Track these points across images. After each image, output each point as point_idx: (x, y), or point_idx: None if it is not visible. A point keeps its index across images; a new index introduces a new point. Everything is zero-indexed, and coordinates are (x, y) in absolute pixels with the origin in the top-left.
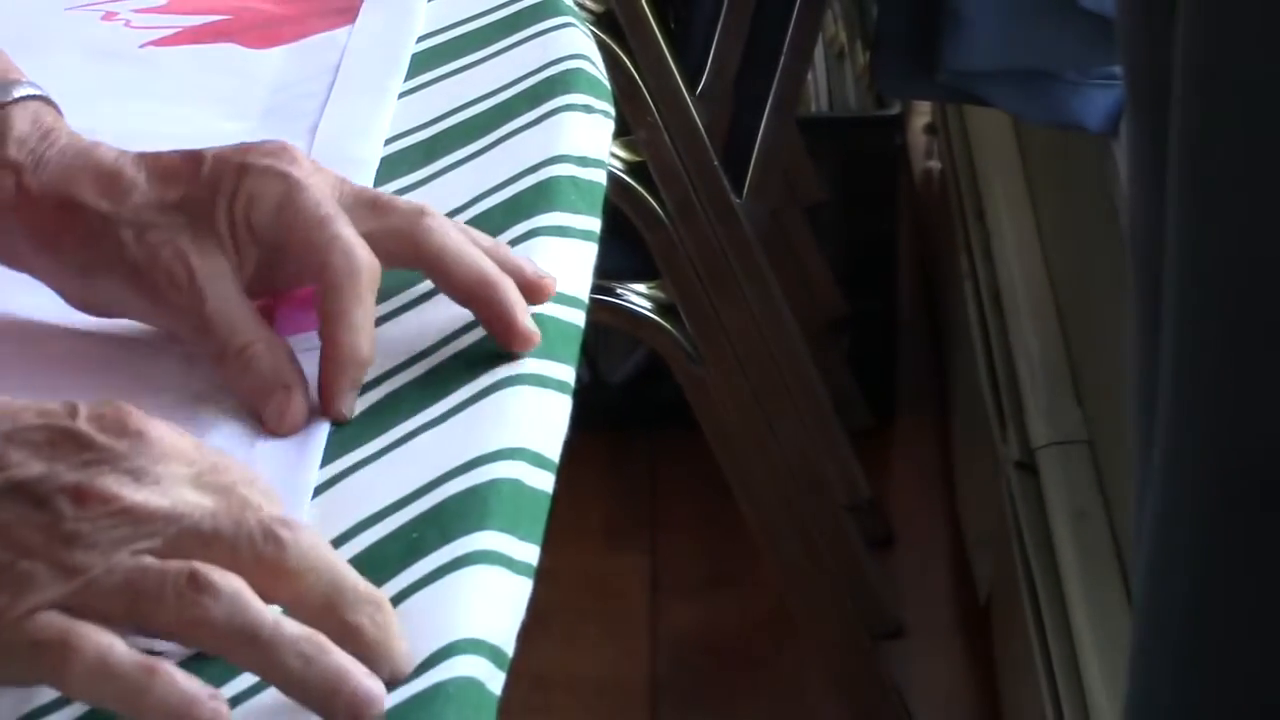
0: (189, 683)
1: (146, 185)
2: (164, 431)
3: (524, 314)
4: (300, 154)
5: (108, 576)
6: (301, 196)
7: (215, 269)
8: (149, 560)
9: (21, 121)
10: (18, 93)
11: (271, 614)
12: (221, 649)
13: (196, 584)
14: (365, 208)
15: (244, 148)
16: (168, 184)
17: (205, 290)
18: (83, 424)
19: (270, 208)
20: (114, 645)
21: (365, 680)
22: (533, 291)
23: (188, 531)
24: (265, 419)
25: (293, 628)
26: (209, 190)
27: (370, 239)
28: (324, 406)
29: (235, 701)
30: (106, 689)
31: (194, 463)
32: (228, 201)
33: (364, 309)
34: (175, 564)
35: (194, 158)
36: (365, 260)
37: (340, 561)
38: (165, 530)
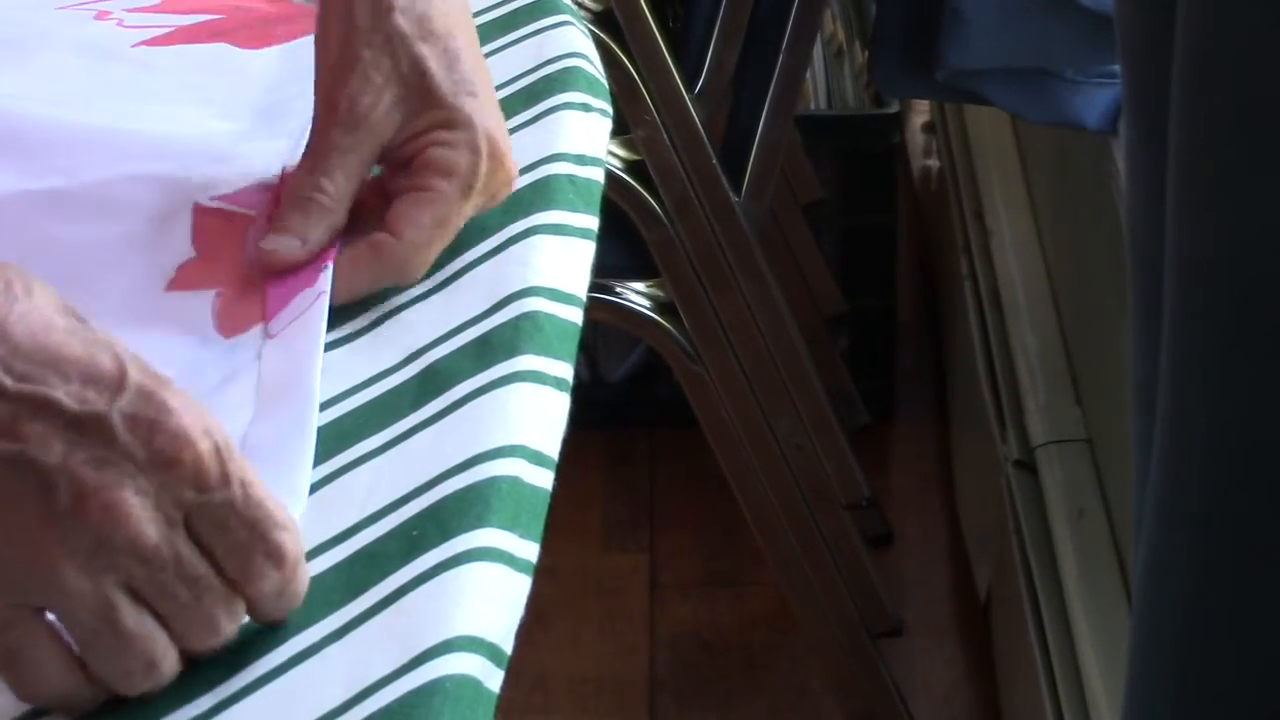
0: None
1: (413, 40)
2: (195, 453)
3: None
4: (499, 144)
5: (82, 605)
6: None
7: (384, 121)
8: (121, 605)
9: None
10: None
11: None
12: None
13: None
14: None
15: (479, 107)
16: (432, 55)
17: (360, 128)
18: (116, 416)
19: (441, 157)
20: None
21: None
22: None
23: (158, 582)
24: (261, 241)
25: None
26: (446, 94)
27: None
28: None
29: None
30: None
31: (206, 490)
32: (433, 118)
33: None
34: (142, 649)
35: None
36: (423, 262)
37: None
38: (139, 572)
